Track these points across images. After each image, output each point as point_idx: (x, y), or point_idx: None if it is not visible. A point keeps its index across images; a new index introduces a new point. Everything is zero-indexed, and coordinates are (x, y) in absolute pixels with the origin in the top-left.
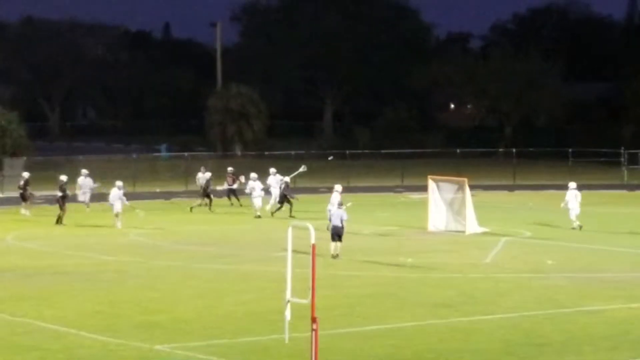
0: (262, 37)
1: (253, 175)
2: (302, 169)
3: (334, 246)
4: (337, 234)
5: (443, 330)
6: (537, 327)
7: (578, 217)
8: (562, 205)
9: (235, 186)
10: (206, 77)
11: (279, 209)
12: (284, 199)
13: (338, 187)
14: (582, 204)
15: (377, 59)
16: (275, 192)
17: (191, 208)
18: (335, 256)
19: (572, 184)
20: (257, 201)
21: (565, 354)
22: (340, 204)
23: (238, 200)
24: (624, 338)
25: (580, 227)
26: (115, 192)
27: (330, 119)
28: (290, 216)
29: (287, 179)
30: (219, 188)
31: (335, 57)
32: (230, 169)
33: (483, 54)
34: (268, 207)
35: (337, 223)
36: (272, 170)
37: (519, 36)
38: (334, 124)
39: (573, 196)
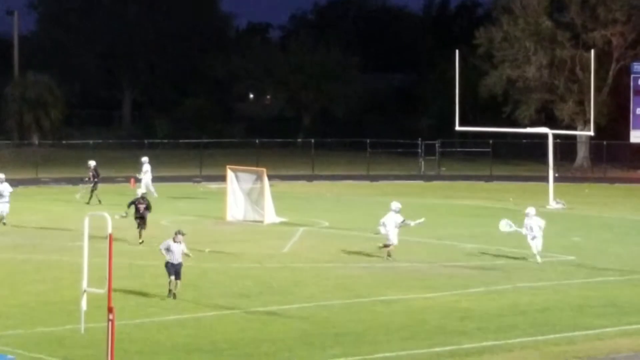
0: (60, 25)
1: (1, 176)
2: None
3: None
4: (175, 271)
5: (241, 320)
6: (333, 317)
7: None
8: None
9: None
10: (2, 66)
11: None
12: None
13: (395, 206)
14: (380, 194)
15: (177, 49)
16: (147, 179)
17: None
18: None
19: (532, 210)
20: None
21: (361, 344)
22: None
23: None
24: (420, 328)
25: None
26: None
27: (129, 109)
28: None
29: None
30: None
31: (134, 47)
32: (92, 163)
33: (282, 45)
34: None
35: (179, 259)
36: (144, 159)
37: (318, 27)
38: (133, 114)
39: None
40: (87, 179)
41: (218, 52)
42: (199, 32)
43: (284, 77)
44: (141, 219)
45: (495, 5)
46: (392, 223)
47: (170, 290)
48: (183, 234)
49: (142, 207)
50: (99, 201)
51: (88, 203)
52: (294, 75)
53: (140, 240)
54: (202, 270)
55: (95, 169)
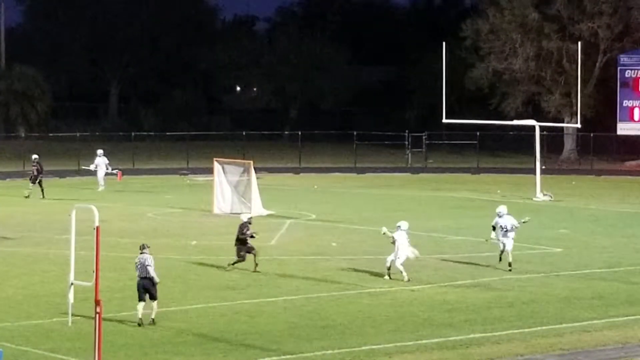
0: (47, 17)
1: None
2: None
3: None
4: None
5: (228, 312)
6: (320, 309)
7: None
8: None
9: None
10: None
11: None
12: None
13: (499, 210)
14: (367, 187)
15: (164, 41)
16: (101, 173)
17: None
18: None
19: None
20: None
21: (348, 336)
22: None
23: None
24: (407, 320)
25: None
26: None
27: (116, 101)
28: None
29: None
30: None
31: (121, 39)
32: (35, 156)
33: (269, 37)
34: (100, 189)
35: (145, 274)
36: (100, 151)
37: (304, 19)
38: (120, 106)
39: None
40: (32, 175)
41: (204, 44)
42: (185, 24)
43: (270, 69)
44: (249, 247)
45: None
46: (498, 228)
47: (140, 318)
48: (147, 247)
49: (249, 232)
50: (43, 195)
51: (27, 197)
52: (280, 67)
53: (257, 269)
54: (188, 263)
55: (38, 162)
